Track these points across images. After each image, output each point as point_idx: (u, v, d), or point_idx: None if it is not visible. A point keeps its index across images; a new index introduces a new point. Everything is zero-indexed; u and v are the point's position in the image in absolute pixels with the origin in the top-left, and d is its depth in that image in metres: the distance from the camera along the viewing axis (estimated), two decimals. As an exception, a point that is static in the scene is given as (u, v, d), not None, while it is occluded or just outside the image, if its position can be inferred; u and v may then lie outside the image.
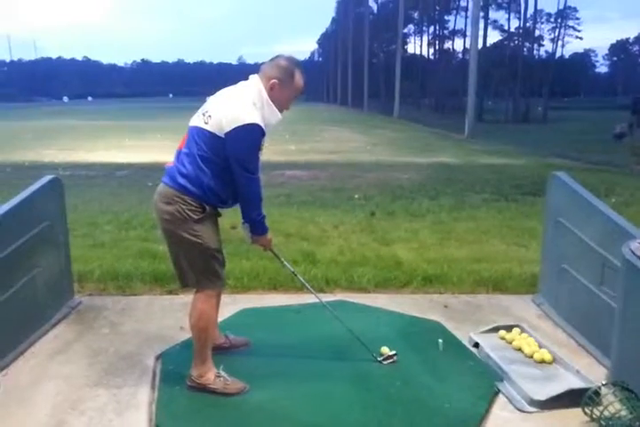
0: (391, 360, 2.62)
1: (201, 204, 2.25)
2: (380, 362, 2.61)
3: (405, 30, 40.26)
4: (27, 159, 10.72)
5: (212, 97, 2.36)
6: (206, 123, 2.23)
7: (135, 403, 2.27)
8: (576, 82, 69.29)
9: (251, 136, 2.19)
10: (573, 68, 64.22)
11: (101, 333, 2.94)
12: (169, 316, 3.14)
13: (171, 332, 2.92)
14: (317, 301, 3.11)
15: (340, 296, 3.51)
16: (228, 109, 2.20)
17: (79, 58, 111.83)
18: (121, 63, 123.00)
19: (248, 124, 2.15)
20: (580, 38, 54.61)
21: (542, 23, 40.89)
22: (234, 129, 2.15)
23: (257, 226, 2.38)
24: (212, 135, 2.21)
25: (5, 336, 2.58)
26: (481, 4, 24.22)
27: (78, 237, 4.69)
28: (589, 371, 2.54)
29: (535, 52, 36.94)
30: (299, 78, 2.32)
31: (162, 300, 3.41)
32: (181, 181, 2.24)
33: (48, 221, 2.98)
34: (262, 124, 2.20)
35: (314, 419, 2.19)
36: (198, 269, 2.33)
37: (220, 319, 2.75)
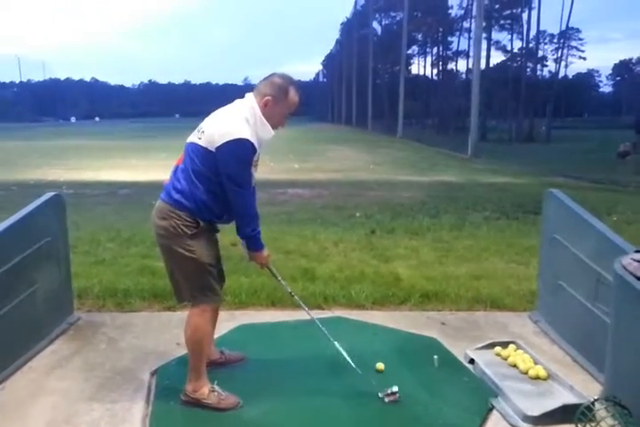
0: (393, 398, 2.41)
1: (195, 219, 2.29)
2: (382, 399, 2.41)
3: (409, 51, 40.83)
4: (32, 178, 10.85)
5: (209, 115, 2.43)
6: (200, 138, 2.30)
7: (129, 417, 2.29)
8: (580, 102, 69.69)
9: (240, 151, 2.23)
10: (577, 88, 64.67)
11: (99, 348, 2.96)
12: (166, 332, 3.16)
13: (167, 347, 2.95)
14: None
15: (337, 313, 3.53)
16: (221, 125, 2.27)
17: (87, 79, 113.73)
18: (128, 84, 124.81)
19: (238, 139, 2.21)
20: (584, 59, 55.31)
21: (545, 44, 41.45)
22: (224, 143, 2.21)
23: (251, 241, 2.41)
24: (204, 150, 2.26)
25: (4, 351, 2.61)
26: (483, 25, 24.60)
27: (80, 253, 4.75)
28: (585, 387, 2.54)
29: (538, 72, 37.33)
30: (293, 95, 2.35)
31: (160, 316, 3.43)
32: (176, 196, 2.29)
33: (49, 237, 3.03)
34: (253, 140, 2.25)
35: (307, 434, 2.20)
36: (193, 283, 2.37)
37: (216, 335, 2.79)
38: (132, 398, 2.44)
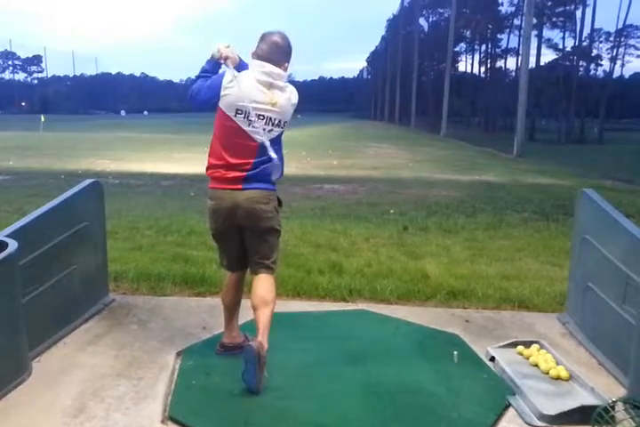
0: None
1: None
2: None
3: (456, 49, 40.10)
4: (81, 168, 11.29)
5: None
6: None
7: (152, 394, 2.40)
8: (637, 103, 66.63)
9: None
10: (634, 89, 61.84)
11: (130, 328, 3.10)
12: (194, 316, 3.27)
13: (194, 330, 3.06)
14: (337, 309, 3.16)
15: (361, 306, 3.56)
16: None
17: (137, 74, 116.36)
18: (176, 79, 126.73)
19: None
20: (643, 58, 52.66)
21: (600, 42, 39.88)
22: None
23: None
24: None
25: (41, 327, 2.77)
26: (534, 22, 23.92)
27: (119, 239, 4.95)
28: (609, 390, 2.49)
29: (592, 71, 35.96)
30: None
31: (189, 301, 3.56)
32: None
33: (87, 221, 3.18)
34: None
35: (320, 419, 2.25)
36: None
37: (242, 321, 2.90)
38: (156, 376, 2.55)
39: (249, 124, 2.47)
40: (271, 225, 2.59)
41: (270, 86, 2.48)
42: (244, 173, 2.51)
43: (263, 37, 2.53)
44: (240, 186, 2.52)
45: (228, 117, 2.48)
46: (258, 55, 2.52)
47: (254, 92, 2.46)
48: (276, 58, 2.51)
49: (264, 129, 2.48)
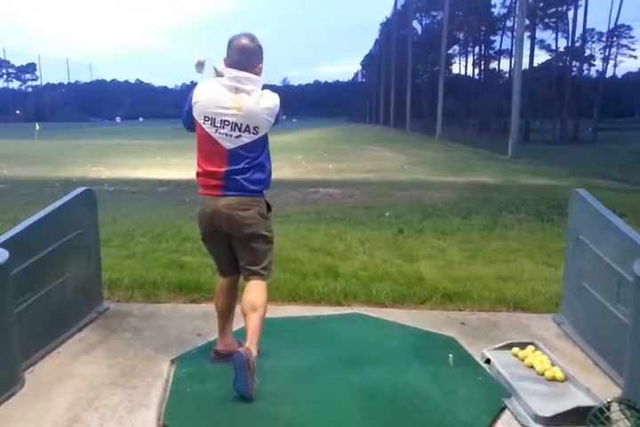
0: None
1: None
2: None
3: (450, 51, 40.23)
4: (75, 175, 11.26)
5: None
6: None
7: (147, 403, 2.38)
8: (630, 102, 66.80)
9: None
10: (627, 88, 62.12)
11: (124, 337, 3.08)
12: (189, 323, 3.26)
13: (188, 337, 3.05)
14: (332, 313, 3.15)
15: (356, 310, 3.55)
16: None
17: (132, 80, 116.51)
18: (171, 85, 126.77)
19: None
20: (635, 57, 53.19)
21: (593, 42, 40.11)
22: None
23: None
24: None
25: (35, 337, 2.75)
26: (527, 23, 24.05)
27: (114, 247, 4.93)
28: (604, 390, 2.48)
29: (585, 72, 36.13)
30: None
31: (184, 308, 3.54)
32: None
33: (80, 229, 3.18)
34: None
35: (316, 424, 2.24)
36: None
37: (236, 328, 2.87)
38: (151, 384, 2.54)
39: (216, 131, 2.46)
40: (254, 231, 2.55)
41: (236, 90, 2.45)
42: (220, 182, 2.51)
43: (230, 43, 2.50)
44: (219, 193, 2.51)
45: (199, 125, 2.49)
46: (228, 63, 2.49)
47: (219, 97, 2.45)
48: (247, 62, 2.47)
49: (230, 135, 2.44)
